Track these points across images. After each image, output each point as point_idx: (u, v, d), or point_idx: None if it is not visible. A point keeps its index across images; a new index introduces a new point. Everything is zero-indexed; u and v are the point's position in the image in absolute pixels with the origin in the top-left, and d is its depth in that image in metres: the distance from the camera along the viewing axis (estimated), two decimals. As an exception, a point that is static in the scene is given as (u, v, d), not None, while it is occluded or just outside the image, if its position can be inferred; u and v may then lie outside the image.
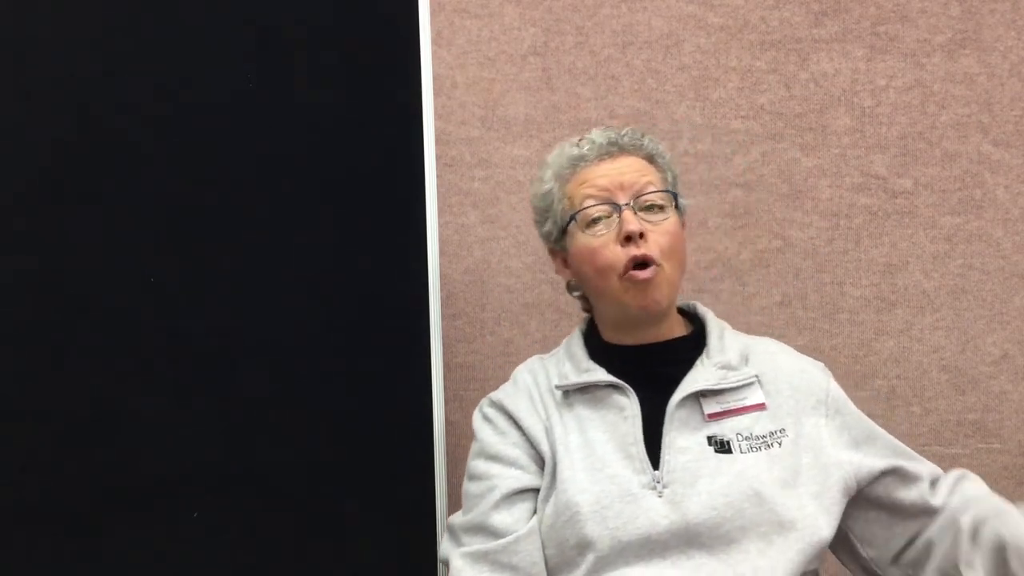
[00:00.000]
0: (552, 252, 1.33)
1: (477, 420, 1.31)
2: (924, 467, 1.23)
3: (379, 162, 1.44)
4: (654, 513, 1.15)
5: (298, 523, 1.39)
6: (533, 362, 1.35)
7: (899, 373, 1.67)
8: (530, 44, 1.67)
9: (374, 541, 1.40)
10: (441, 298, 1.46)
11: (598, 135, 1.28)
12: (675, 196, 1.27)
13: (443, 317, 1.45)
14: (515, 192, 1.66)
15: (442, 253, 1.50)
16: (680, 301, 1.32)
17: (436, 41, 1.62)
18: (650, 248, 1.21)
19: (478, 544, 1.21)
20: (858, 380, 1.66)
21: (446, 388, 1.48)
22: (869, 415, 1.25)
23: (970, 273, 1.67)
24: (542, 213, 1.31)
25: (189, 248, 1.39)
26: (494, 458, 1.25)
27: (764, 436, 1.20)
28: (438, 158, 1.53)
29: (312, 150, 1.43)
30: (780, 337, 1.63)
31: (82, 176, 1.37)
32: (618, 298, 1.24)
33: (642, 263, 1.21)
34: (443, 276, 1.49)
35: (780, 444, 1.20)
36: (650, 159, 1.28)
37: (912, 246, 1.67)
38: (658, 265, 1.22)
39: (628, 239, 1.21)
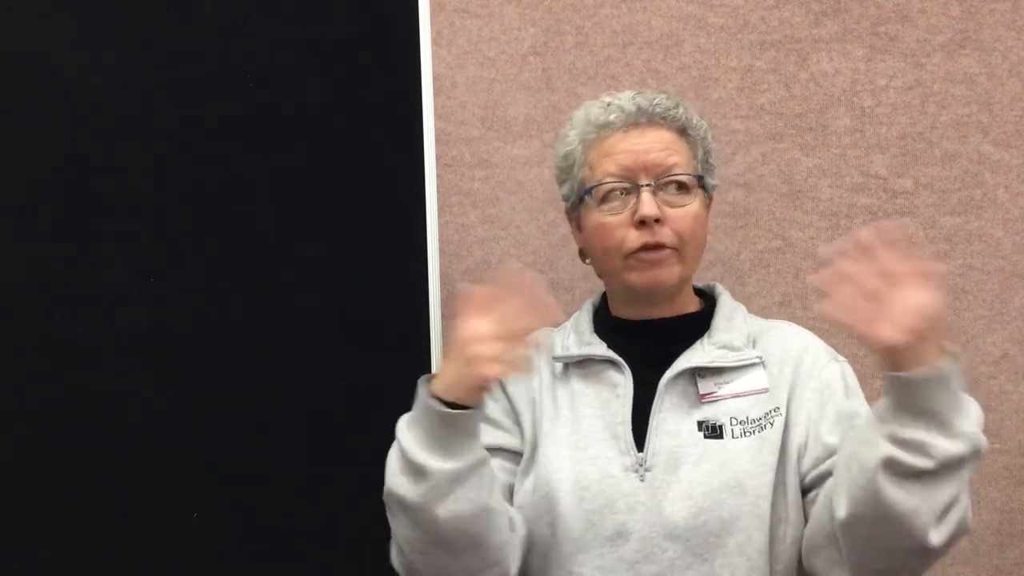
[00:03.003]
0: (568, 215, 1.29)
1: None
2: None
3: (379, 162, 1.45)
4: (632, 498, 1.13)
5: (298, 524, 1.39)
6: (541, 334, 1.30)
7: (899, 373, 1.66)
8: (530, 44, 1.67)
9: (374, 541, 1.40)
10: (441, 298, 1.46)
11: (627, 101, 1.20)
12: (701, 178, 1.21)
13: (443, 317, 1.45)
14: (515, 192, 1.66)
15: (442, 253, 1.50)
16: (702, 282, 1.31)
17: (436, 41, 1.62)
18: (664, 235, 1.17)
19: None
20: (858, 380, 1.65)
21: (446, 388, 1.47)
22: (868, 415, 1.23)
23: (970, 273, 1.67)
24: (563, 173, 1.26)
25: (189, 248, 1.39)
26: None
27: (759, 419, 1.15)
28: (438, 158, 1.53)
29: (312, 150, 1.43)
30: (780, 337, 1.64)
31: (81, 175, 1.37)
32: (622, 277, 1.20)
33: (654, 248, 1.17)
34: (443, 276, 1.48)
35: (772, 424, 1.15)
36: (681, 132, 1.21)
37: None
38: (673, 250, 1.18)
39: (643, 223, 1.16)
